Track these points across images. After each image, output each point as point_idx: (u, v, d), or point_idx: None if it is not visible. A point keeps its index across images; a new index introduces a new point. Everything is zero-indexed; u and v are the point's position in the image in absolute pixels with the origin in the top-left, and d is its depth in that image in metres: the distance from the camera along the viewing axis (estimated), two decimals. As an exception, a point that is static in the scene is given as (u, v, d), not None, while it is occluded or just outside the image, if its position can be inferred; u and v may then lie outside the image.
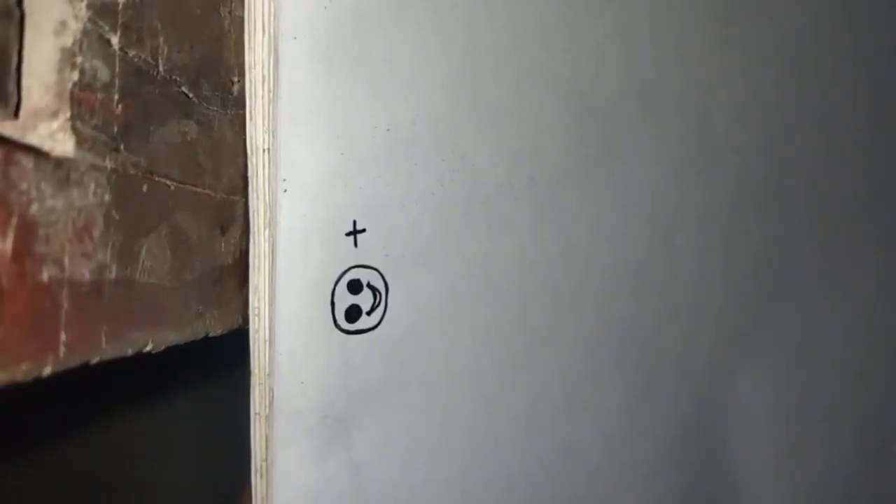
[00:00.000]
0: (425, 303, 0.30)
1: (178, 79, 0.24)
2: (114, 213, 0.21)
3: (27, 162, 0.18)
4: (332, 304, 0.29)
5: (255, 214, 0.27)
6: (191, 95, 0.24)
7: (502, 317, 0.32)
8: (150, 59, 0.22)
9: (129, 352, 0.22)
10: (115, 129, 0.21)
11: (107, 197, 0.21)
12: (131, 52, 0.22)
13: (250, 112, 0.27)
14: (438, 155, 0.30)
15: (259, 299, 0.27)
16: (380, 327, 0.30)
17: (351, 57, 0.28)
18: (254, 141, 0.27)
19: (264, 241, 0.27)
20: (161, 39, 0.23)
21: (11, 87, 0.19)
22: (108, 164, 0.21)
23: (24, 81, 0.19)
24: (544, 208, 0.33)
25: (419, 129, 0.30)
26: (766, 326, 0.42)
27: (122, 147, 0.21)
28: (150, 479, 0.43)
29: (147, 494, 0.43)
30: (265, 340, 0.28)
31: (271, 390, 0.28)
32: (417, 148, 0.30)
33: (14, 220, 0.17)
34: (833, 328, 0.44)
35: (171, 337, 0.24)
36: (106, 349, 0.21)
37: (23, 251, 0.17)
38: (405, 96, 0.29)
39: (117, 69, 0.21)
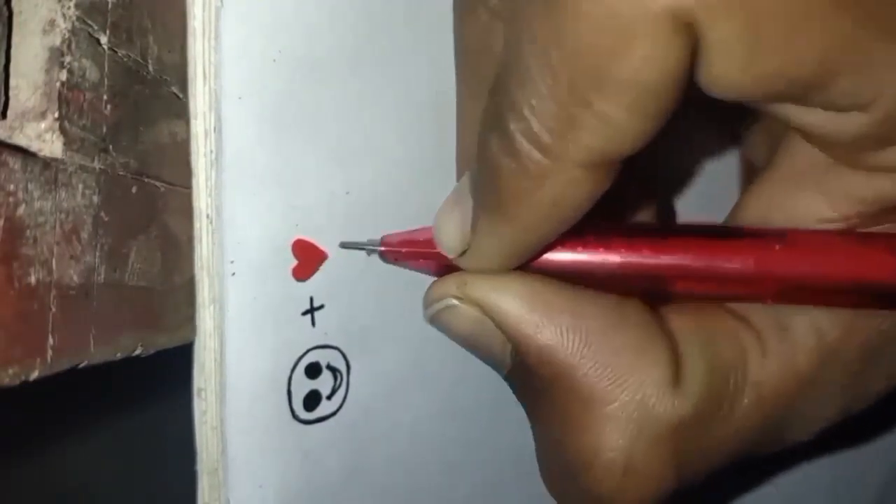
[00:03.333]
0: (389, 376, 0.28)
1: (169, 79, 0.23)
2: (102, 214, 0.21)
3: (14, 163, 0.17)
4: (289, 393, 0.26)
5: (200, 284, 0.24)
6: (181, 96, 0.24)
7: (469, 379, 0.30)
8: (140, 59, 0.22)
9: (118, 356, 0.22)
10: (105, 129, 0.21)
11: (95, 198, 0.20)
12: (121, 52, 0.21)
13: (193, 166, 0.24)
14: (402, 215, 0.27)
15: (205, 380, 0.24)
16: (341, 411, 0.27)
17: (303, 114, 0.25)
18: (197, 201, 0.24)
19: (210, 317, 0.24)
20: (151, 39, 0.23)
21: (-2, 87, 0.19)
22: (97, 165, 0.21)
23: (12, 81, 0.19)
24: None
25: (382, 189, 0.27)
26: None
27: (111, 148, 0.21)
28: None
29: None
30: (213, 427, 0.25)
31: (224, 490, 0.25)
32: (379, 210, 0.27)
33: (0, 222, 0.17)
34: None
35: (161, 340, 0.24)
36: (94, 353, 0.20)
37: (10, 253, 0.17)
38: (366, 152, 0.26)
39: (106, 69, 0.21)
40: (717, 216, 0.26)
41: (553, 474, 0.23)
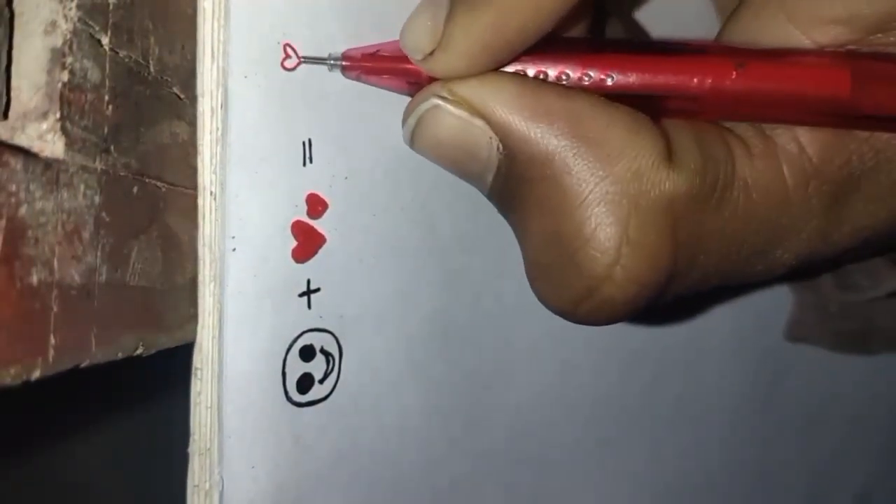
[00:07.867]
0: (379, 366, 0.28)
1: (170, 80, 0.24)
2: (104, 215, 0.21)
3: (16, 163, 0.17)
4: (284, 374, 0.26)
5: (202, 262, 0.24)
6: (182, 97, 0.24)
7: (455, 372, 0.30)
8: (141, 60, 0.22)
9: (120, 355, 0.22)
10: (106, 130, 0.21)
11: (97, 199, 0.20)
12: (122, 53, 0.21)
13: (199, 144, 0.24)
14: (398, 204, 0.27)
15: (202, 359, 0.24)
16: (332, 396, 0.27)
17: (309, 95, 0.25)
18: (201, 177, 0.24)
19: (209, 294, 0.24)
20: (152, 40, 0.23)
21: (0, 88, 0.19)
22: (99, 165, 0.21)
23: (14, 82, 0.19)
24: (502, 254, 0.30)
25: (378, 176, 0.27)
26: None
27: (112, 148, 0.21)
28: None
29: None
30: (208, 407, 0.24)
31: (218, 469, 0.25)
32: (377, 197, 0.27)
33: (2, 223, 0.17)
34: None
35: (162, 340, 0.24)
36: (96, 353, 0.20)
37: (11, 253, 0.17)
38: (368, 138, 0.26)
39: (108, 70, 0.21)
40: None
41: (545, 270, 0.23)
